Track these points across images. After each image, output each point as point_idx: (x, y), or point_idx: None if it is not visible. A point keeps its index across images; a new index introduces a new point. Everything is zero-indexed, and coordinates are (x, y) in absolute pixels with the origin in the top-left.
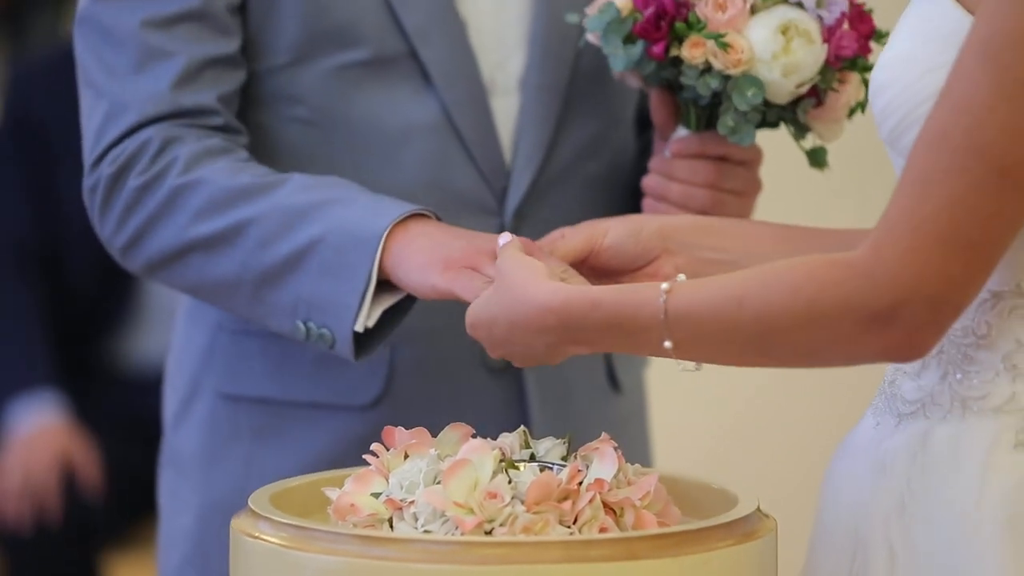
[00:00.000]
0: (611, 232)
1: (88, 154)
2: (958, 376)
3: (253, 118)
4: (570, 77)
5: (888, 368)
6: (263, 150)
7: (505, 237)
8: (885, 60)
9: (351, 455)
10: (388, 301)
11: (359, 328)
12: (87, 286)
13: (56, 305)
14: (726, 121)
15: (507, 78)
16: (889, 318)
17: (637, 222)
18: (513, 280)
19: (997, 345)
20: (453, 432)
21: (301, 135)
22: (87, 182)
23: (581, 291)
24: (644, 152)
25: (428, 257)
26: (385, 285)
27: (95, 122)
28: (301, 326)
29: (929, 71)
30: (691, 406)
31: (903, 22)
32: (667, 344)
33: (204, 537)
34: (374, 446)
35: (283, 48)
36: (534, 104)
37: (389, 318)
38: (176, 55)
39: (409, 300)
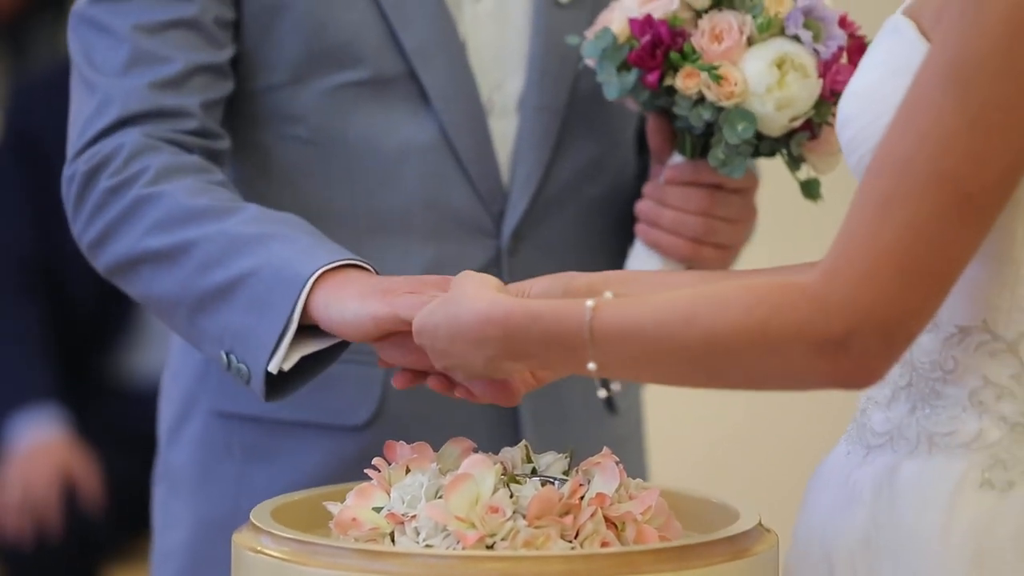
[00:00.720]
0: (536, 287)
1: (71, 145)
2: (926, 411)
3: (251, 136)
4: (569, 99)
5: (861, 396)
6: (261, 168)
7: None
8: (851, 92)
9: (344, 475)
10: (311, 347)
11: (272, 369)
12: (88, 301)
13: (57, 319)
14: (716, 153)
15: (506, 99)
16: (841, 345)
17: (565, 278)
18: (460, 290)
19: (964, 381)
20: (454, 447)
21: (299, 154)
22: (66, 171)
23: (522, 303)
24: (643, 173)
25: (366, 290)
26: (316, 331)
27: (83, 115)
28: (224, 357)
29: (896, 106)
30: (684, 418)
31: (870, 54)
32: (591, 365)
33: (196, 553)
34: (376, 460)
35: (282, 67)
36: (533, 125)
37: (312, 364)
38: (167, 59)
39: (338, 350)
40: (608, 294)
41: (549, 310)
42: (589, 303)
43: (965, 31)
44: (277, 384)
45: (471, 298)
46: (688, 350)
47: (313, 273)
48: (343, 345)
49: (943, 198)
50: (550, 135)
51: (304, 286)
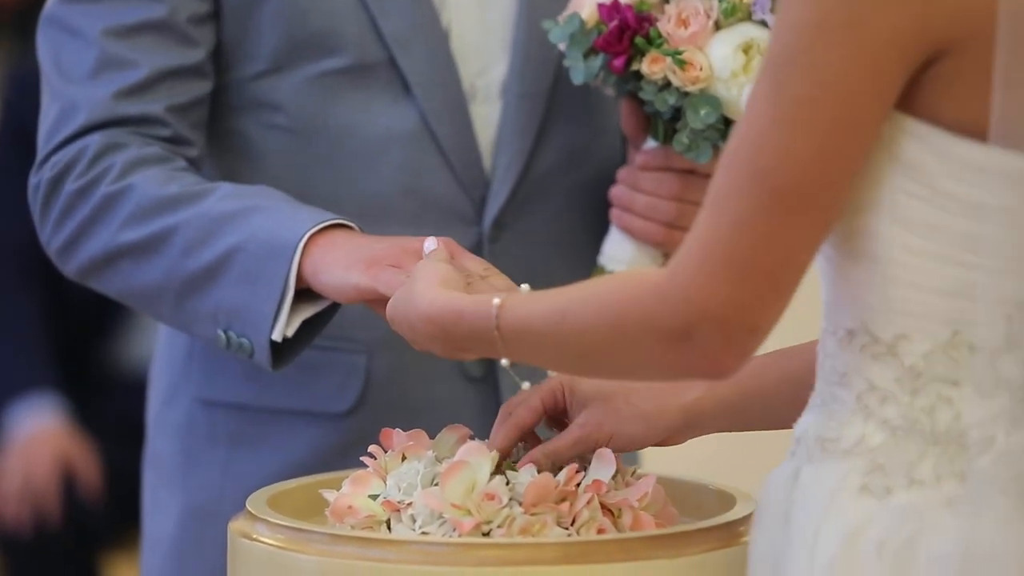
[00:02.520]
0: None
1: (39, 153)
2: (822, 415)
3: (232, 125)
4: (553, 85)
5: None
6: (242, 157)
7: (431, 243)
8: None
9: (328, 462)
10: (308, 311)
11: (277, 337)
12: (86, 291)
13: (56, 310)
14: (681, 138)
15: (489, 85)
16: (684, 338)
17: None
18: (412, 285)
19: (853, 384)
20: (451, 434)
21: (280, 142)
22: (31, 181)
23: (451, 301)
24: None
25: (351, 258)
26: (307, 295)
27: (47, 123)
28: (222, 335)
29: None
30: None
31: None
32: (503, 362)
33: (183, 539)
34: (371, 448)
35: (262, 55)
36: (515, 112)
37: (310, 328)
38: (134, 64)
39: (332, 310)
40: (525, 287)
41: (470, 307)
42: (496, 300)
43: (779, 26)
44: (280, 352)
45: (418, 295)
46: (566, 346)
47: (301, 239)
48: (338, 305)
49: (760, 195)
50: (533, 122)
51: (295, 253)
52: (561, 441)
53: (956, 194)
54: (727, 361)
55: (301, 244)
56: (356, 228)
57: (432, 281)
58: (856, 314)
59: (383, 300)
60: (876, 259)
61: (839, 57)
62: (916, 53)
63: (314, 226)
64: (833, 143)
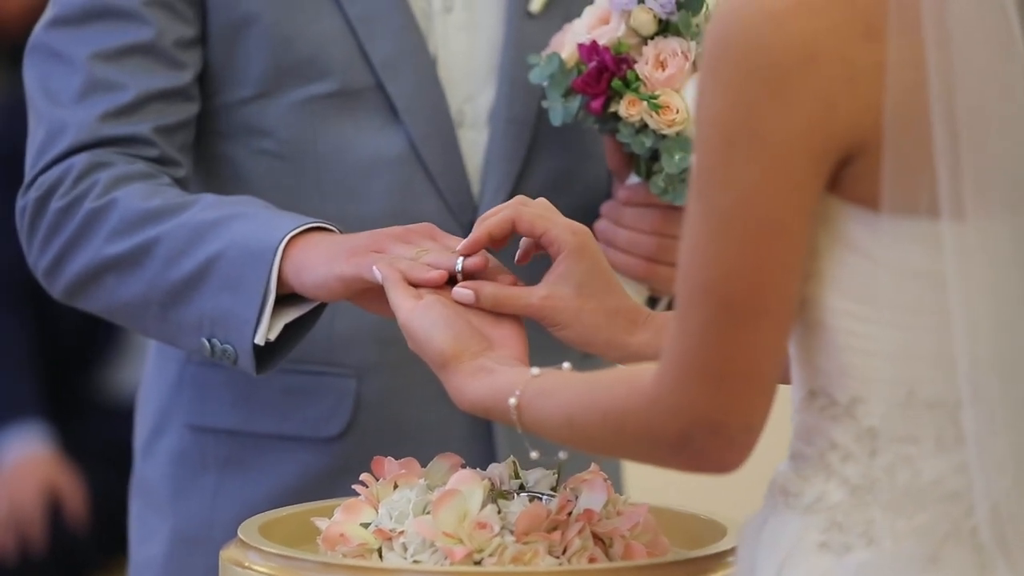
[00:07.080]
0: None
1: (25, 177)
2: (787, 470)
3: (220, 151)
4: (539, 111)
5: None
6: (231, 182)
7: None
8: None
9: (318, 487)
10: (291, 314)
11: (259, 341)
12: (73, 317)
13: (43, 336)
14: (657, 181)
15: (476, 111)
16: (683, 445)
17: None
18: (453, 372)
19: (816, 442)
20: (442, 462)
21: (269, 167)
22: (18, 204)
23: (479, 399)
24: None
25: (332, 252)
26: (291, 300)
27: (34, 146)
28: (206, 343)
29: None
30: None
31: None
32: (533, 455)
33: (172, 566)
34: (363, 476)
35: (250, 81)
36: (503, 137)
37: (295, 333)
38: (121, 87)
39: (315, 314)
40: (534, 370)
41: (494, 407)
42: (512, 401)
43: (696, 140)
44: (264, 357)
45: (445, 381)
46: (580, 444)
47: (280, 241)
48: (322, 307)
49: (712, 308)
50: (520, 147)
51: (275, 256)
52: (522, 291)
53: (888, 262)
54: (730, 459)
55: (281, 247)
56: (336, 231)
57: (455, 369)
58: (814, 377)
59: (369, 290)
60: (824, 327)
61: (751, 169)
62: (826, 157)
63: (293, 229)
64: (765, 251)
